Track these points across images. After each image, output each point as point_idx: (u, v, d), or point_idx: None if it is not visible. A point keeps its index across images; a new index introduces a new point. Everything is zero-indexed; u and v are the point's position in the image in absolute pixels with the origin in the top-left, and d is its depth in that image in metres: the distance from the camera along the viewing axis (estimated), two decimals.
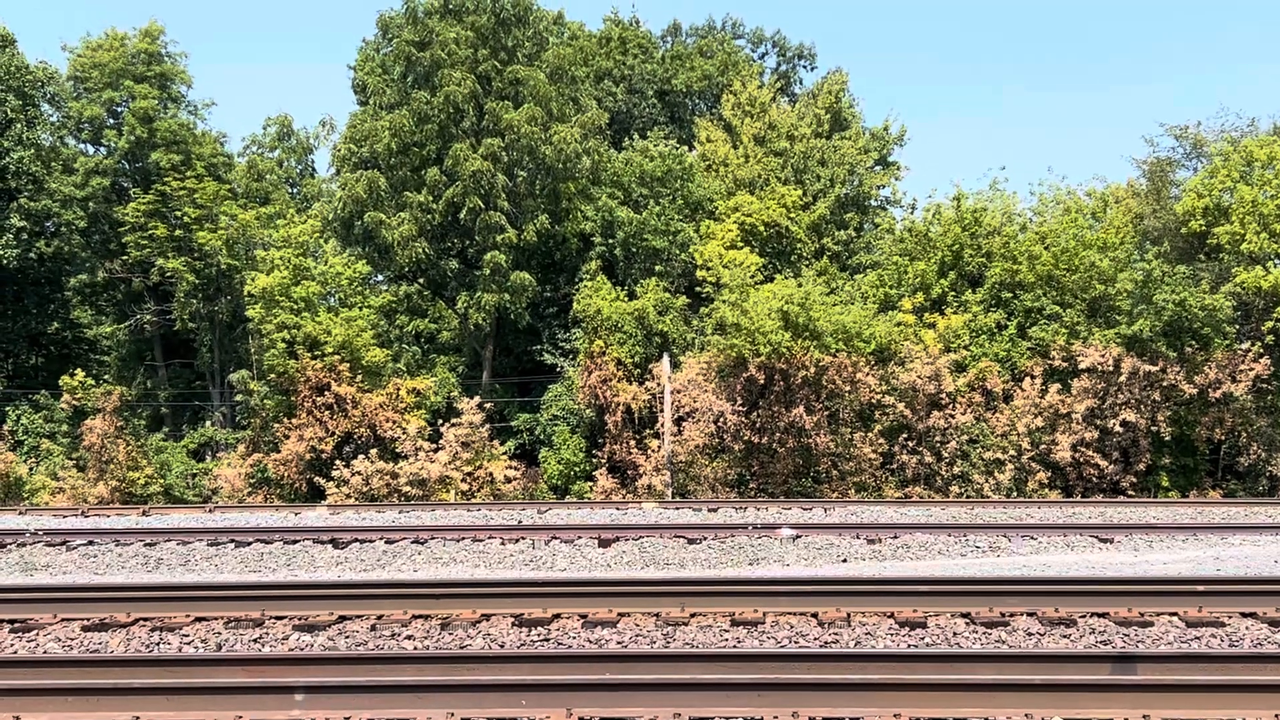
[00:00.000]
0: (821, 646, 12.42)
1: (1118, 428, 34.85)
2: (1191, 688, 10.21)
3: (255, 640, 13.20)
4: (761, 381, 35.55)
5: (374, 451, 36.79)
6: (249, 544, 21.80)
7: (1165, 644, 12.53)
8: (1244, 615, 13.59)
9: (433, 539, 21.92)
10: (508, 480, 37.91)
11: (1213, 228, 37.34)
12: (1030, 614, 13.67)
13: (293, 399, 38.10)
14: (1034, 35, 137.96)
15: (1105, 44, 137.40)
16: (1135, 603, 13.87)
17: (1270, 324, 35.45)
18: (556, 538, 21.80)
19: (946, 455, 35.50)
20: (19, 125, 45.69)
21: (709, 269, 39.46)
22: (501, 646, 12.72)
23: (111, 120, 46.86)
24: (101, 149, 47.59)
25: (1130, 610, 13.67)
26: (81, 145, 48.55)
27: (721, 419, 35.50)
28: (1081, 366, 35.08)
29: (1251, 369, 34.86)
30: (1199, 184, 38.52)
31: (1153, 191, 41.71)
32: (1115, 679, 10.52)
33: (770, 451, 35.71)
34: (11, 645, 13.29)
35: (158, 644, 13.18)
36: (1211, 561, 18.32)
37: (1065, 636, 12.86)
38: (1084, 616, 13.56)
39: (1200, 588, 14.25)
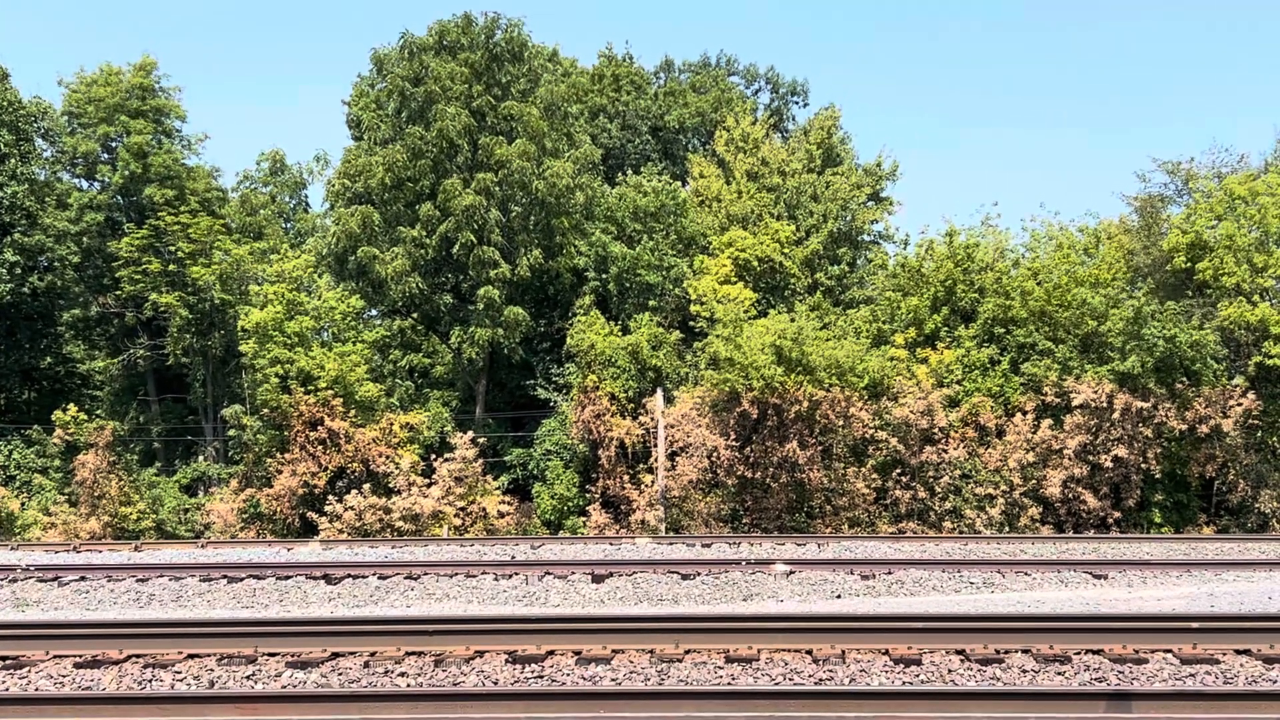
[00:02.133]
0: (816, 684, 12.39)
1: (1109, 464, 34.84)
2: None
3: (248, 677, 13.15)
4: (754, 416, 35.56)
5: (367, 486, 36.72)
6: (241, 580, 21.74)
7: (1160, 681, 12.51)
8: (1238, 652, 13.57)
9: (426, 574, 21.86)
10: (501, 515, 37.87)
11: (1196, 264, 37.45)
12: (1025, 650, 13.65)
13: (286, 434, 38.07)
14: (1029, 71, 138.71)
15: (1100, 80, 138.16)
16: (1130, 639, 13.86)
17: (1257, 359, 35.53)
18: (550, 573, 21.76)
19: (940, 490, 35.47)
20: (13, 160, 45.80)
21: (703, 304, 39.53)
22: (495, 684, 12.67)
23: (105, 155, 47.01)
24: (95, 184, 47.73)
25: (1125, 647, 13.66)
26: (75, 180, 48.70)
27: (715, 454, 35.48)
28: (1075, 403, 35.10)
29: (1240, 404, 34.92)
30: (1182, 221, 38.67)
31: (1144, 228, 41.84)
32: (1111, 717, 10.51)
33: (764, 486, 35.69)
34: (3, 682, 13.23)
35: (150, 681, 13.13)
36: (1205, 598, 18.31)
37: (1060, 674, 12.83)
38: (1079, 653, 13.53)
39: (1194, 625, 14.24)
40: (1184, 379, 35.35)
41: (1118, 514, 35.35)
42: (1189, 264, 37.71)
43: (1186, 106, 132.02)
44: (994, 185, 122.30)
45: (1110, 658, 13.38)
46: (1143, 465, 35.01)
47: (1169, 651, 13.59)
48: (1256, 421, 35.71)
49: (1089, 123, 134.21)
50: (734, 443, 35.62)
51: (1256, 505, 35.81)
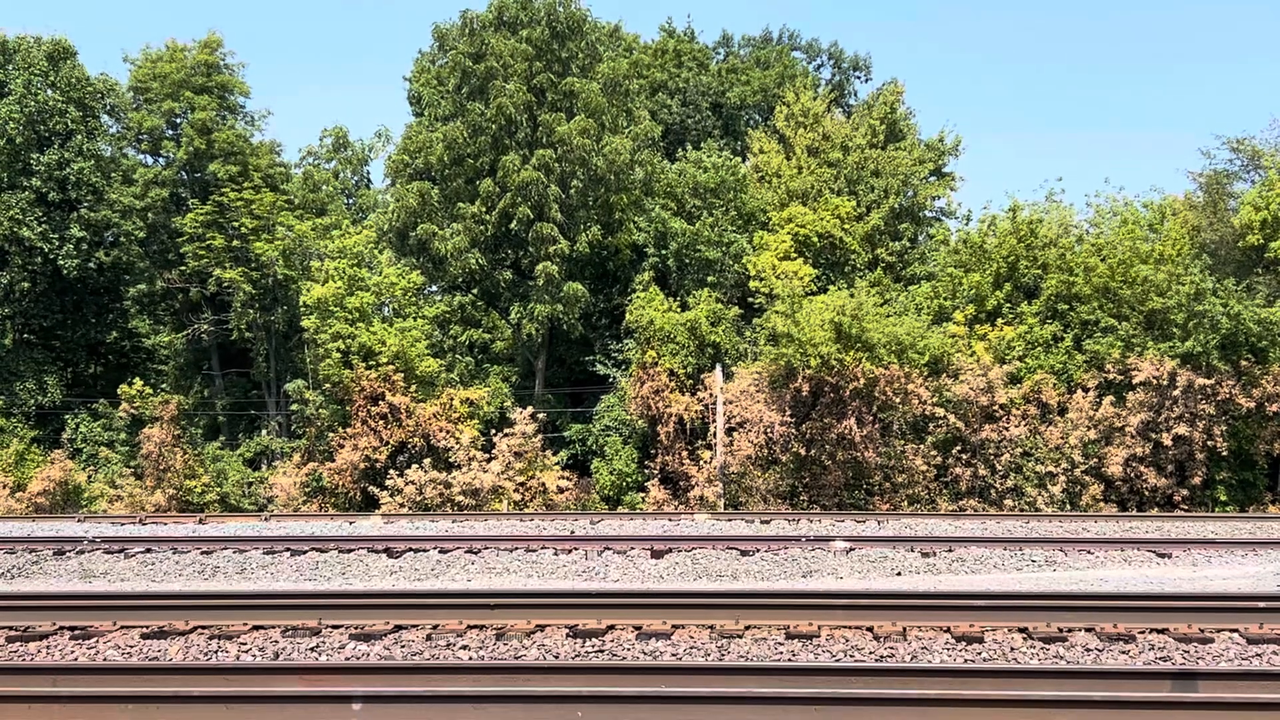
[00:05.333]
0: (877, 661, 12.37)
1: (1170, 441, 34.44)
2: (1254, 706, 10.10)
3: (312, 649, 13.30)
4: (810, 393, 35.42)
5: (427, 461, 36.93)
6: (304, 552, 21.93)
7: (1226, 661, 12.40)
8: None
9: (486, 549, 21.97)
10: (560, 490, 37.97)
11: (1270, 241, 36.90)
12: (1088, 629, 13.56)
13: (347, 408, 38.36)
14: (1092, 46, 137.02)
15: (1165, 56, 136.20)
16: (1195, 619, 13.73)
17: None
18: (609, 548, 21.81)
19: (1000, 468, 35.22)
20: (80, 136, 46.32)
21: (762, 280, 39.37)
22: (556, 657, 12.75)
23: (170, 131, 47.47)
24: (160, 160, 48.19)
25: (1190, 626, 13.54)
26: (141, 156, 49.20)
27: (771, 430, 35.38)
28: (1136, 381, 34.71)
29: None
30: (1255, 197, 38.08)
31: (1209, 204, 41.22)
32: (1176, 696, 10.42)
33: (820, 464, 35.58)
34: (72, 652, 13.45)
35: (216, 652, 13.30)
36: (1271, 577, 18.12)
37: (1124, 652, 12.75)
38: (1143, 632, 13.43)
39: (1261, 604, 14.09)
40: (1250, 356, 34.86)
41: (1184, 492, 34.96)
42: (1262, 241, 37.15)
43: (1251, 83, 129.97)
44: (1058, 160, 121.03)
45: (1175, 637, 13.27)
46: (1207, 443, 34.58)
47: (1235, 631, 13.46)
48: None
49: (1154, 99, 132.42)
50: (789, 419, 35.52)
51: None
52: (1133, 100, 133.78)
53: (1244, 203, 38.68)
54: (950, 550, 21.29)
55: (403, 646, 13.31)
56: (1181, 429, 34.28)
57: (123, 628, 14.37)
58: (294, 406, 42.27)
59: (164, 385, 47.82)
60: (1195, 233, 39.73)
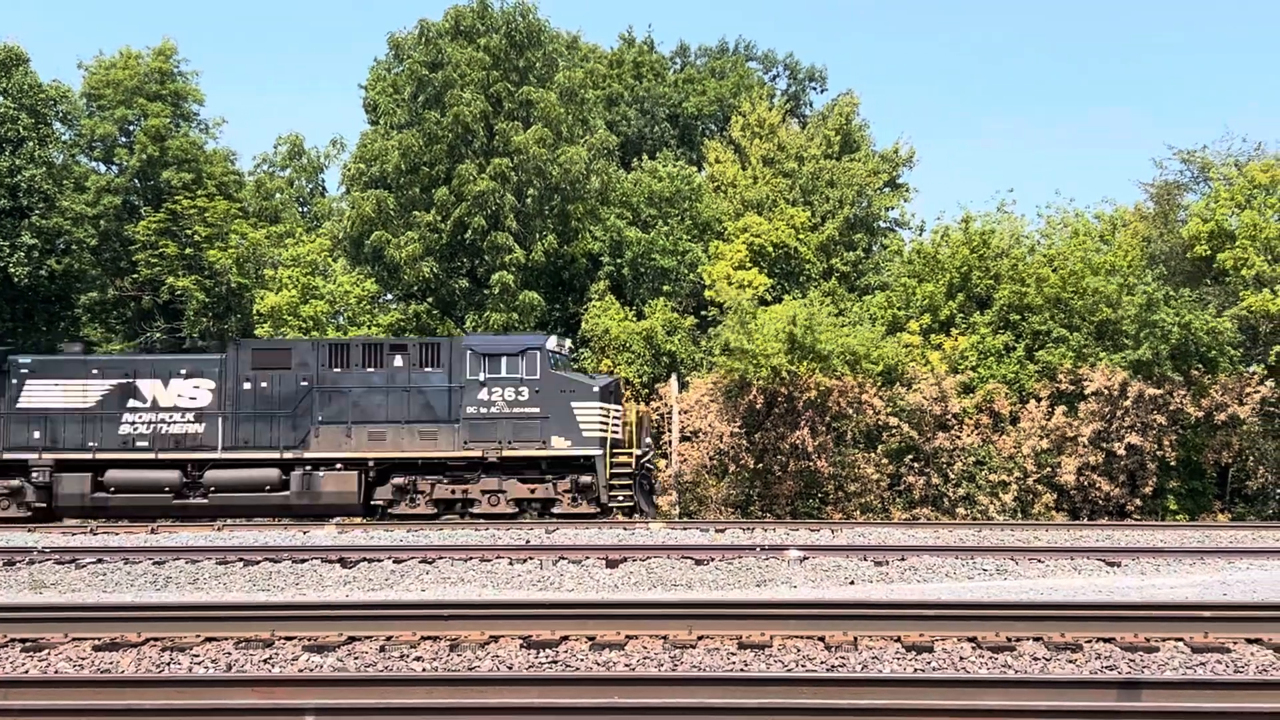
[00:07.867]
0: (828, 670, 12.45)
1: (1122, 451, 34.77)
2: (1197, 714, 10.24)
3: (265, 661, 13.25)
4: (763, 404, 35.53)
5: None
6: (257, 563, 21.81)
7: (1171, 670, 12.53)
8: (1249, 641, 13.55)
9: (440, 559, 21.91)
10: None
11: (1217, 252, 37.32)
12: (1037, 639, 13.65)
13: None
14: (1045, 59, 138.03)
15: (1116, 68, 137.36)
16: (1141, 628, 13.86)
17: (1278, 348, 35.38)
18: (564, 558, 21.81)
19: (953, 477, 35.46)
20: (31, 143, 45.88)
21: (717, 290, 39.51)
22: (510, 668, 12.76)
23: (123, 138, 47.25)
24: (113, 167, 47.94)
25: (1136, 635, 13.66)
26: (93, 163, 48.90)
27: (723, 440, 35.49)
28: (1088, 391, 35.03)
29: (1257, 392, 34.81)
30: (1202, 208, 38.53)
31: (1160, 215, 41.71)
32: (1121, 705, 10.55)
33: (773, 473, 35.70)
34: (23, 664, 13.35)
35: (169, 664, 13.23)
36: (1218, 586, 18.31)
37: (1071, 661, 12.87)
38: (1090, 641, 13.54)
39: (1206, 613, 14.24)
40: (1200, 366, 35.25)
41: (1137, 501, 35.28)
42: (1210, 252, 37.56)
43: (1200, 94, 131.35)
44: (1011, 172, 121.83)
45: (1122, 646, 13.38)
46: (1158, 452, 34.93)
47: (1180, 640, 13.59)
48: (1275, 409, 35.57)
49: (1106, 110, 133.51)
50: (740, 429, 35.64)
51: (1278, 492, 35.77)
52: (1088, 108, 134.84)
53: (1191, 214, 39.15)
54: (903, 559, 21.42)
55: (356, 658, 13.28)
56: (1133, 438, 34.59)
57: (74, 639, 14.26)
58: None
59: None
60: (1146, 243, 40.18)
